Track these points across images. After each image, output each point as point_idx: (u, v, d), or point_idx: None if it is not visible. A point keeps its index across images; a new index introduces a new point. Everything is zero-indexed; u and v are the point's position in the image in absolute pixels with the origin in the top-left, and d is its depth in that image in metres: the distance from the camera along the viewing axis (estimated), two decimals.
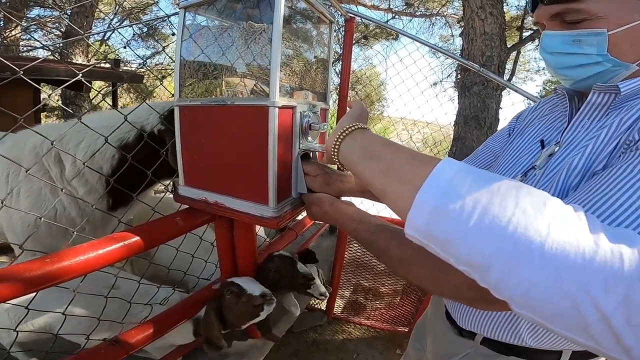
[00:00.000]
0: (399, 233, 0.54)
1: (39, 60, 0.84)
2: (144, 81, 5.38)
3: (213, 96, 0.76)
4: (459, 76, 2.70)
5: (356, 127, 0.51)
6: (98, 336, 0.82)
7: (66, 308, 0.75)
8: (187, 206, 0.85)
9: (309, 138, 0.76)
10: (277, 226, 0.67)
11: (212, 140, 0.74)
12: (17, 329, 0.71)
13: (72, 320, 0.84)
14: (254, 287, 0.95)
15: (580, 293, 0.27)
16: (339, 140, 0.51)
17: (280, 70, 0.63)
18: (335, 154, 0.52)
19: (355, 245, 2.55)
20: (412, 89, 2.28)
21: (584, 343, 0.30)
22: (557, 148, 0.56)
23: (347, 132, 0.51)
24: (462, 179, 0.33)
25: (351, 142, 0.50)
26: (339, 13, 1.34)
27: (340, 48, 1.80)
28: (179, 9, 0.75)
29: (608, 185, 0.38)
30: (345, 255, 2.40)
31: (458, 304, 0.73)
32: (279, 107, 0.63)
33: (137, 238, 0.73)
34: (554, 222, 0.29)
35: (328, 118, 0.91)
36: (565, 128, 0.57)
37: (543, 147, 0.60)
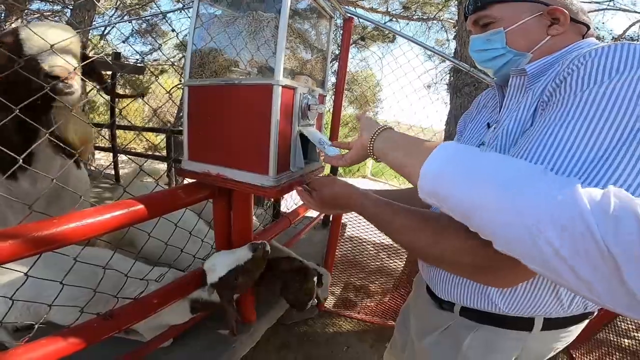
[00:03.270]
0: (402, 206, 0.64)
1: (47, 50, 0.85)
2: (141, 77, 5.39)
3: (223, 78, 0.83)
4: (451, 78, 2.79)
5: (383, 128, 0.65)
6: (91, 310, 0.81)
7: (64, 277, 0.75)
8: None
9: (308, 118, 0.84)
10: (275, 195, 0.75)
11: (218, 117, 0.81)
12: (12, 298, 0.69)
13: (66, 293, 0.80)
14: (240, 256, 0.94)
15: (536, 230, 0.35)
16: (374, 138, 0.64)
17: (284, 55, 0.71)
18: (371, 149, 0.65)
19: (347, 244, 2.62)
20: (405, 87, 2.36)
21: (556, 280, 0.36)
22: (496, 125, 0.69)
23: (378, 132, 0.64)
24: (453, 153, 0.46)
25: (382, 139, 0.63)
26: (339, 13, 1.42)
27: (338, 47, 1.87)
28: None
29: (534, 139, 0.48)
30: (337, 254, 2.45)
31: (438, 276, 0.77)
32: (282, 86, 0.71)
33: (141, 206, 0.76)
34: (519, 176, 0.39)
35: (325, 103, 0.99)
36: (500, 110, 0.71)
37: (489, 127, 0.74)
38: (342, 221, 2.22)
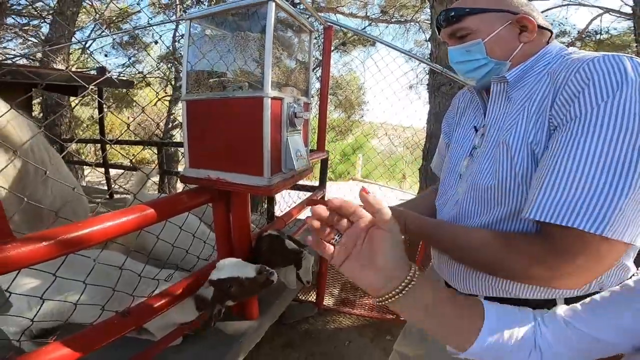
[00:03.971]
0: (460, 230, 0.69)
1: (50, 67, 0.91)
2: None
3: (215, 91, 0.93)
4: (429, 79, 2.94)
5: (413, 281, 0.47)
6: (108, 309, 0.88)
7: (85, 278, 0.83)
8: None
9: (295, 125, 0.94)
10: (270, 193, 0.84)
11: (215, 127, 0.91)
12: (43, 297, 0.75)
13: (86, 293, 0.88)
14: (248, 271, 0.98)
15: None
16: (397, 295, 0.47)
17: (271, 69, 0.81)
18: (389, 300, 0.48)
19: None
20: (386, 90, 2.48)
21: None
22: (485, 129, 0.74)
23: (406, 287, 0.47)
24: (493, 332, 0.49)
25: (412, 301, 0.48)
26: (319, 22, 1.53)
27: (321, 54, 1.98)
28: (186, 20, 0.91)
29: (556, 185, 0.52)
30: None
31: (459, 272, 0.76)
32: (271, 98, 0.81)
33: (151, 210, 0.83)
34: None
35: (310, 110, 1.09)
36: (484, 114, 0.76)
37: (476, 131, 0.78)
38: None
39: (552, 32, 0.70)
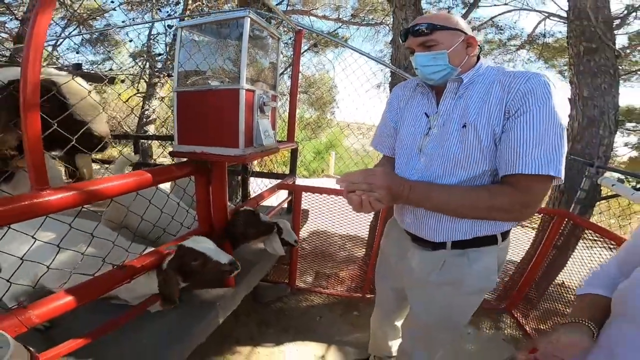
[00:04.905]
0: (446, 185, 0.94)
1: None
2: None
3: (202, 85, 1.19)
4: (390, 79, 3.27)
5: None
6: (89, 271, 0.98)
7: (86, 249, 1.04)
8: None
9: (264, 112, 1.21)
10: (245, 160, 1.12)
11: (200, 112, 1.17)
12: (49, 266, 0.89)
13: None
14: (220, 256, 1.07)
15: None
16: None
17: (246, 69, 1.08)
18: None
19: (315, 238, 2.86)
20: (358, 89, 2.71)
21: None
22: (437, 116, 0.98)
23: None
24: None
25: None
26: (290, 25, 1.78)
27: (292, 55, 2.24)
28: (177, 28, 1.17)
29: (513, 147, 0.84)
30: (307, 247, 2.75)
31: (432, 225, 1.02)
32: (246, 90, 1.08)
33: (148, 175, 1.05)
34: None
35: (277, 101, 1.37)
36: (437, 104, 1.00)
37: (427, 116, 1.01)
38: (304, 207, 2.45)
39: (481, 50, 0.98)
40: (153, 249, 1.19)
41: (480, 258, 1.01)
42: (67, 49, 6.85)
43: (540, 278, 2.39)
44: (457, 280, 1.04)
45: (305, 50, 6.27)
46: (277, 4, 5.24)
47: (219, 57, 1.21)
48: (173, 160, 1.46)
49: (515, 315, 2.38)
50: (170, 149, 1.28)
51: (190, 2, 5.74)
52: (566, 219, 2.17)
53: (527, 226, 2.77)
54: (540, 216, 2.40)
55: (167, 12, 6.44)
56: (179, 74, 1.19)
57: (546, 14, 5.31)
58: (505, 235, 1.03)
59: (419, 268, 1.10)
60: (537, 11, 5.35)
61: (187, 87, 1.19)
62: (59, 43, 6.43)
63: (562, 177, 0.82)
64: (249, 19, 1.07)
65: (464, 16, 5.35)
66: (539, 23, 5.65)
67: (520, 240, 2.59)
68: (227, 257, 1.07)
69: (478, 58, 0.98)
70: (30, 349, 0.69)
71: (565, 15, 3.27)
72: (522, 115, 0.83)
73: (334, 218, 2.48)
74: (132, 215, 1.43)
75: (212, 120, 1.15)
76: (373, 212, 2.11)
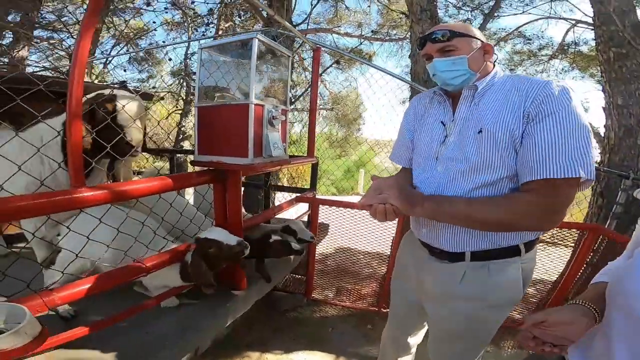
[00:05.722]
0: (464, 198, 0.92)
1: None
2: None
3: (219, 100, 1.31)
4: (410, 93, 3.30)
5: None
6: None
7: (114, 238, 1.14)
8: None
9: (274, 125, 1.31)
10: (255, 170, 1.21)
11: (217, 125, 1.29)
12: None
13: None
14: (230, 239, 1.18)
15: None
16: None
17: (256, 85, 1.19)
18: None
19: (336, 255, 2.85)
20: (385, 105, 2.74)
21: None
22: (454, 123, 0.98)
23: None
24: None
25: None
26: (308, 44, 1.89)
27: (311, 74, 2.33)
28: (199, 49, 1.32)
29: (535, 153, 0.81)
30: (329, 262, 2.76)
31: (449, 236, 0.99)
32: (255, 104, 1.19)
33: (169, 180, 1.14)
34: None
35: (288, 115, 1.47)
36: (453, 112, 0.99)
37: (444, 125, 1.01)
38: (325, 222, 2.49)
39: (496, 58, 1.00)
40: (174, 245, 1.31)
41: (502, 269, 0.97)
42: (116, 67, 7.37)
43: (574, 296, 2.26)
44: (479, 294, 0.99)
45: (329, 67, 6.44)
46: (301, 22, 5.59)
47: (235, 74, 1.34)
48: (194, 169, 1.59)
49: None
50: None
51: (222, 23, 6.12)
52: (600, 235, 2.05)
53: (559, 244, 2.64)
54: (572, 231, 2.28)
55: (203, 32, 6.89)
56: (200, 90, 1.33)
57: (573, 21, 5.12)
58: (529, 246, 0.98)
59: (437, 282, 1.06)
60: (562, 19, 5.18)
61: (206, 103, 1.32)
62: (108, 61, 7.02)
63: (594, 178, 0.79)
64: (257, 40, 1.18)
65: (481, 27, 5.28)
66: (567, 31, 5.45)
67: (551, 257, 2.47)
68: (235, 239, 1.19)
69: (493, 66, 0.99)
70: (43, 324, 0.76)
71: (591, 21, 3.16)
72: (544, 119, 0.81)
73: (355, 233, 2.46)
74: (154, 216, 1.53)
75: (227, 132, 1.27)
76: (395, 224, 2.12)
